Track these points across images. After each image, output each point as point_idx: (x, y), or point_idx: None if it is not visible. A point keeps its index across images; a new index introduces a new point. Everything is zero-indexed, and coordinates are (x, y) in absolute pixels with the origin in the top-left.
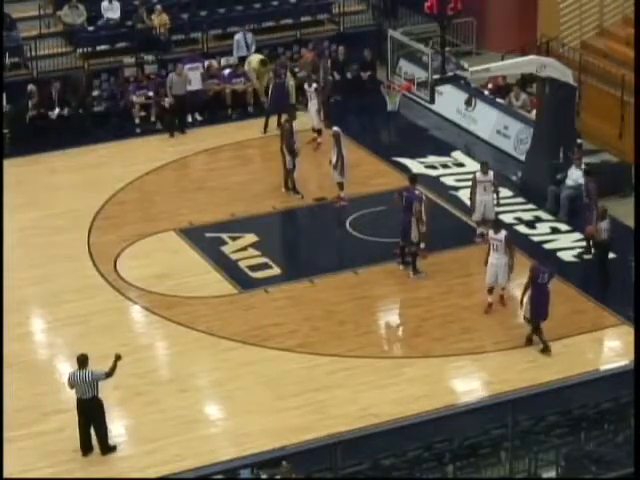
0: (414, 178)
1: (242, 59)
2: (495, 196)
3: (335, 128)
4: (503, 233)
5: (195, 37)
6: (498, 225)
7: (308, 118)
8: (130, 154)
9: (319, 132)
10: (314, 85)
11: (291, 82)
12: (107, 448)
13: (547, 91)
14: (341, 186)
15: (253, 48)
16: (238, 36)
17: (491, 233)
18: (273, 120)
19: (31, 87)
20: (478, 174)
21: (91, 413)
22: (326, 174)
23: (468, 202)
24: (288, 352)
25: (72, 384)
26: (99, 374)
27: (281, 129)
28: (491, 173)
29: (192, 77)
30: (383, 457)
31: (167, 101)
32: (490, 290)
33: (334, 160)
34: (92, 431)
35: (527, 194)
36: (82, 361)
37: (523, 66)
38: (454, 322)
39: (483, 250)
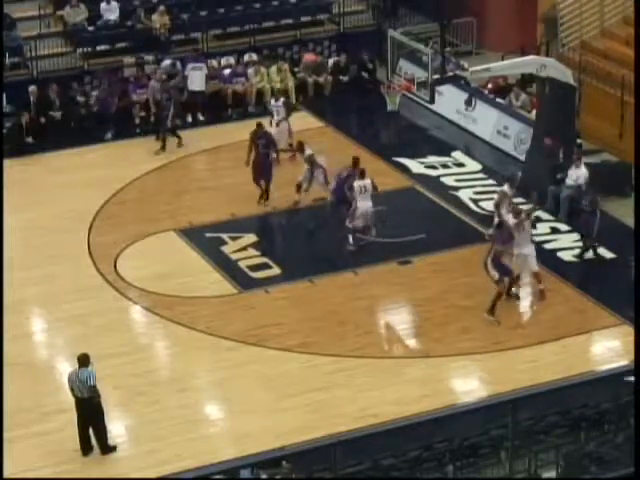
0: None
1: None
2: None
3: (308, 151)
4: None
5: (195, 37)
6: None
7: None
8: (130, 154)
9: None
10: (282, 99)
11: (290, 83)
12: (107, 448)
13: (547, 91)
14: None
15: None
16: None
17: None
18: None
19: (32, 88)
20: (507, 188)
21: (89, 412)
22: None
23: (468, 202)
24: (288, 352)
25: (70, 383)
26: (94, 378)
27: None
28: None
29: (196, 77)
30: (383, 457)
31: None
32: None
33: (305, 185)
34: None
35: (527, 194)
36: (82, 360)
37: (523, 66)
38: (454, 322)
39: (483, 250)
